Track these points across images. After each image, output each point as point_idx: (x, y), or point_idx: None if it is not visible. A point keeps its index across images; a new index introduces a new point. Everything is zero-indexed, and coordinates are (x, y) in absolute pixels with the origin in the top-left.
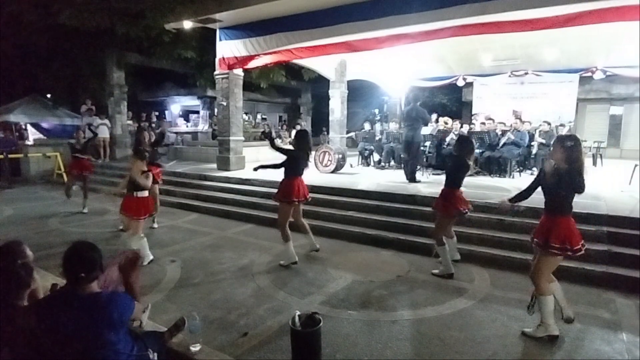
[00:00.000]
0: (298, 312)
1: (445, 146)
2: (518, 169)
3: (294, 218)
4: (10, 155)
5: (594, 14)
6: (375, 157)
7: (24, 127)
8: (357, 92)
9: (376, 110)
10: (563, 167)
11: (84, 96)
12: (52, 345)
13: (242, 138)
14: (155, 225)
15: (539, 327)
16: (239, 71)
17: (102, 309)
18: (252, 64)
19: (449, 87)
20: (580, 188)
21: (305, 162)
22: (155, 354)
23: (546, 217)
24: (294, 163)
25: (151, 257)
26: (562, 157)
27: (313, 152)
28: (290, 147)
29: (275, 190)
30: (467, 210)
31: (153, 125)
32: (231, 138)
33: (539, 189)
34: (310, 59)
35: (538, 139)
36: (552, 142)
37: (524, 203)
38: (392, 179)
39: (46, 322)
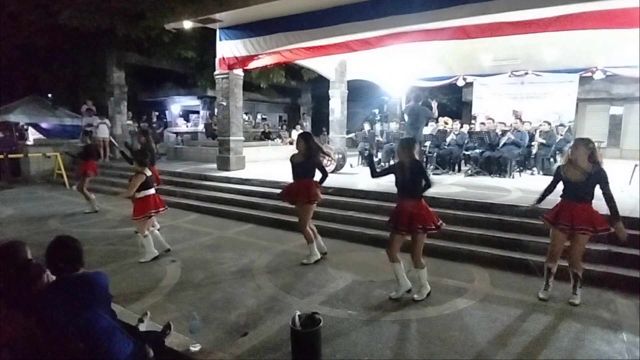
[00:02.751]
0: (298, 312)
1: (446, 146)
2: (518, 169)
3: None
4: (10, 155)
5: (594, 16)
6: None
7: (25, 127)
8: (357, 92)
9: (376, 110)
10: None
11: (84, 96)
12: (45, 340)
13: (242, 138)
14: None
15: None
16: (239, 71)
17: (89, 282)
18: (252, 64)
19: (449, 87)
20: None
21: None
22: (151, 350)
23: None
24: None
25: (156, 253)
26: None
27: None
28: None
29: (279, 190)
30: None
31: (154, 125)
32: (231, 138)
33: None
34: (310, 59)
35: (538, 139)
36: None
37: (524, 203)
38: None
39: (38, 316)
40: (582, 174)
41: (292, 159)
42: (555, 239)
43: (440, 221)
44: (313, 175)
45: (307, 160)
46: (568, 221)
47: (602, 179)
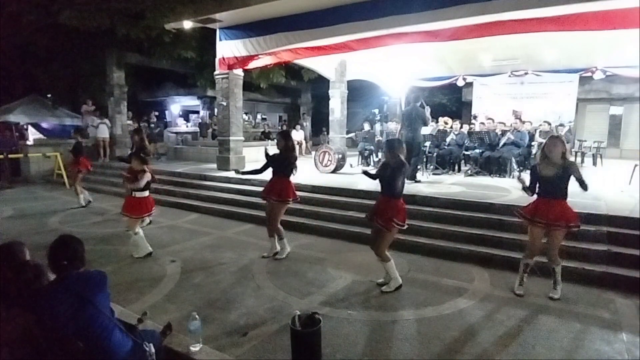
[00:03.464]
0: (298, 312)
1: (446, 146)
2: (518, 169)
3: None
4: (10, 155)
5: (595, 17)
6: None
7: (25, 127)
8: (357, 92)
9: (376, 110)
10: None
11: (84, 96)
12: (45, 340)
13: (242, 138)
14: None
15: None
16: (239, 71)
17: (89, 278)
18: (252, 64)
19: (449, 87)
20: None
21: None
22: (152, 345)
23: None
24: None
25: (149, 250)
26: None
27: (313, 153)
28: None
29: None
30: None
31: (152, 125)
32: (231, 138)
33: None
34: (310, 59)
35: (538, 139)
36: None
37: (524, 203)
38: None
39: (38, 314)
40: (556, 169)
41: (272, 156)
42: (534, 235)
43: (405, 223)
44: (290, 174)
45: (284, 159)
46: (544, 217)
47: (574, 169)
